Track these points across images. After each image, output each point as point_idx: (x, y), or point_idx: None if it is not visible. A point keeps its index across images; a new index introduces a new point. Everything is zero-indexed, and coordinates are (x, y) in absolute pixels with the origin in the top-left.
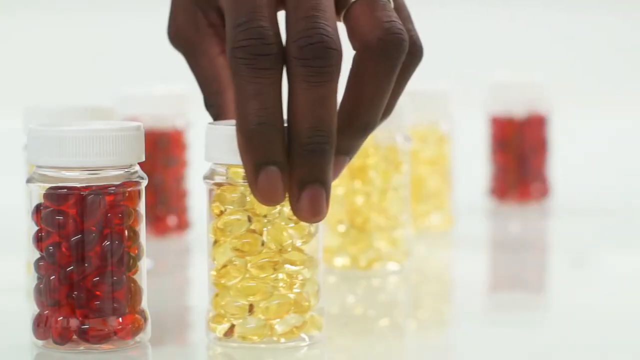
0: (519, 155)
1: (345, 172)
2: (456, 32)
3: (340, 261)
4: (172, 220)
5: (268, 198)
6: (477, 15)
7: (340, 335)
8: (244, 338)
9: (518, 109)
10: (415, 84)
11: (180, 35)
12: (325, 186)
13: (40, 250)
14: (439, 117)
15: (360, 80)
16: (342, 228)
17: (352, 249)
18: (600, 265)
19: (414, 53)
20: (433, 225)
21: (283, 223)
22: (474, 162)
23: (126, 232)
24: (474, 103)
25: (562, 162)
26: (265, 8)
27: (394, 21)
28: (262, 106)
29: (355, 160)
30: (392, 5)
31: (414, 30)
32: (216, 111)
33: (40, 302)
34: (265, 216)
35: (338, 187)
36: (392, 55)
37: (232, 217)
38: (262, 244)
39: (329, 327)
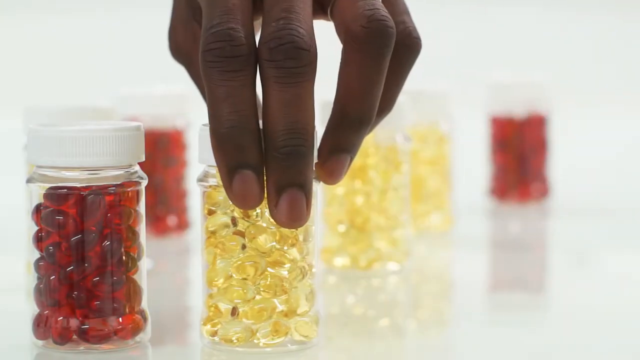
0: (519, 155)
1: None
2: (456, 32)
3: (340, 261)
4: (172, 220)
5: (243, 202)
6: (477, 15)
7: (340, 335)
8: (226, 340)
9: (518, 109)
10: (415, 84)
11: (181, 49)
12: (304, 190)
13: (40, 250)
14: (439, 117)
15: (348, 73)
16: (342, 228)
17: (352, 249)
18: (600, 265)
19: (411, 46)
20: (433, 225)
21: (265, 225)
22: (474, 162)
23: (126, 232)
24: (474, 103)
25: (562, 162)
26: (238, 11)
27: (377, 9)
28: (233, 109)
29: (355, 160)
30: None
31: (411, 22)
32: None
33: (40, 302)
34: (247, 218)
35: (338, 187)
36: (377, 43)
37: (217, 218)
38: (244, 247)
39: (329, 327)
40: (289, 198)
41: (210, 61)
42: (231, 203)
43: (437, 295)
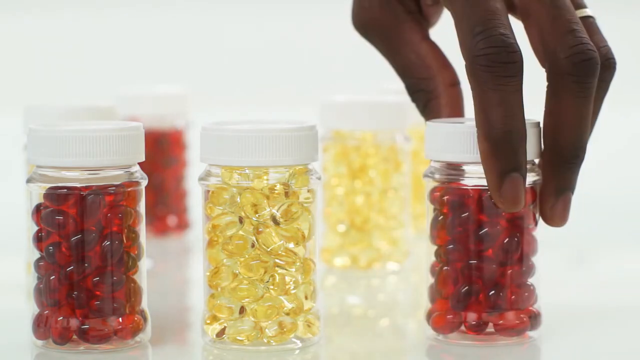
0: None
1: (345, 172)
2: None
3: (340, 261)
4: (172, 220)
5: (512, 205)
6: None
7: (340, 335)
8: (234, 340)
9: None
10: None
11: (376, 25)
12: (573, 194)
13: (40, 250)
14: None
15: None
16: (342, 228)
17: (352, 249)
18: (600, 265)
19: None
20: None
21: (273, 224)
22: None
23: (126, 232)
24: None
25: None
26: (502, 14)
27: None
28: (507, 114)
29: (356, 160)
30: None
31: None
32: (427, 96)
33: (40, 302)
34: (256, 218)
35: (338, 187)
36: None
37: (224, 218)
38: (253, 245)
39: (329, 327)
40: (564, 201)
41: (484, 65)
42: (239, 201)
43: None
